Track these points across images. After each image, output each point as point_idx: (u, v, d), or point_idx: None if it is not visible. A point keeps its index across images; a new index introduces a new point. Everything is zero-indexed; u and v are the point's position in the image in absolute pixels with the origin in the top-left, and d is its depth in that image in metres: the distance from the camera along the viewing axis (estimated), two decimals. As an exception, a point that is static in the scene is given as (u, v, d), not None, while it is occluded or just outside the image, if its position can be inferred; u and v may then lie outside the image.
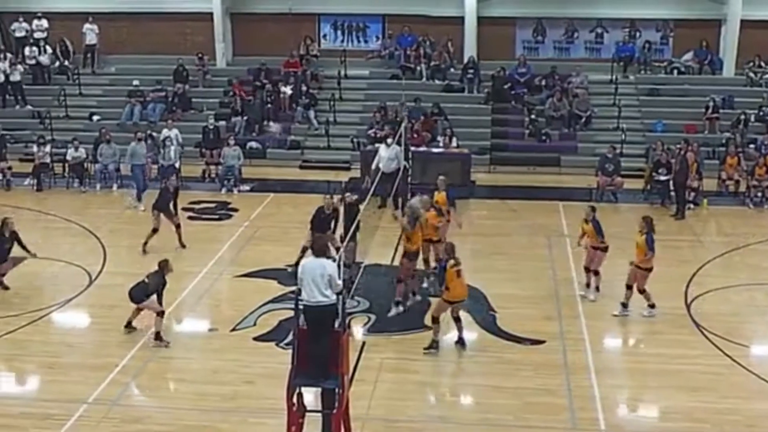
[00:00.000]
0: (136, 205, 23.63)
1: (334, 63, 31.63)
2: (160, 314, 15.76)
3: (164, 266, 16.06)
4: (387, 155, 23.03)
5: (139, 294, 15.73)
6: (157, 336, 15.68)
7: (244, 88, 30.51)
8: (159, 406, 13.89)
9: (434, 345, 15.38)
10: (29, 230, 21.44)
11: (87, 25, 32.06)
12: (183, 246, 20.43)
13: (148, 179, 24.37)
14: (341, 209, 18.42)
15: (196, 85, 31.37)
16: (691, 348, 15.64)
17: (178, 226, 20.55)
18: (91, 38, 32.26)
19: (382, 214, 22.53)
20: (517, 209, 23.76)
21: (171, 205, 20.59)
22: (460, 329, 15.59)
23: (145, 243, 20.10)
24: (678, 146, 24.82)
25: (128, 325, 16.06)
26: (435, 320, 15.49)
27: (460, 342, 15.58)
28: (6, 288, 18.01)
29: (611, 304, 17.30)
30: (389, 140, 23.40)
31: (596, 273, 17.60)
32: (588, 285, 17.73)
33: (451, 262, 15.09)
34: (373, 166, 23.04)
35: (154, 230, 20.26)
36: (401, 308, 16.90)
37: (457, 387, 14.70)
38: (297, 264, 15.31)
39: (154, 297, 15.77)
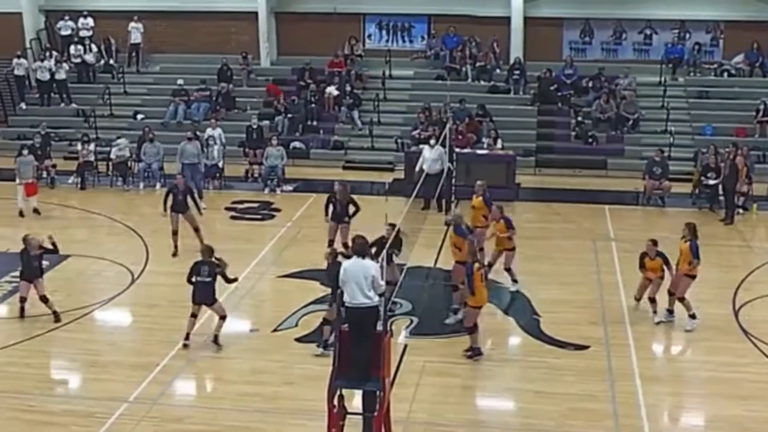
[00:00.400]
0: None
1: (379, 63, 31.53)
2: (224, 318, 15.63)
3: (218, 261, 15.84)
4: (431, 156, 22.93)
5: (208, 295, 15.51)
6: (216, 339, 15.56)
7: (283, 88, 30.47)
8: (199, 405, 13.90)
9: (477, 351, 15.10)
10: (73, 228, 21.75)
11: (132, 24, 32.23)
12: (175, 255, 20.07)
13: (200, 179, 24.33)
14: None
15: (240, 85, 31.41)
16: (739, 356, 15.32)
17: (197, 230, 20.11)
18: (135, 37, 32.44)
19: (426, 216, 22.38)
20: (562, 213, 23.48)
21: (188, 205, 20.26)
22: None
23: (175, 247, 20.05)
24: (727, 150, 24.39)
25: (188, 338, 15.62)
26: (472, 329, 15.13)
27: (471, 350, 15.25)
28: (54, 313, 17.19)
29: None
30: (432, 141, 23.32)
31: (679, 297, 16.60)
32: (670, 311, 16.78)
33: (476, 265, 14.82)
34: (417, 168, 22.94)
35: (174, 233, 20.11)
36: (459, 315, 16.37)
37: (499, 391, 14.51)
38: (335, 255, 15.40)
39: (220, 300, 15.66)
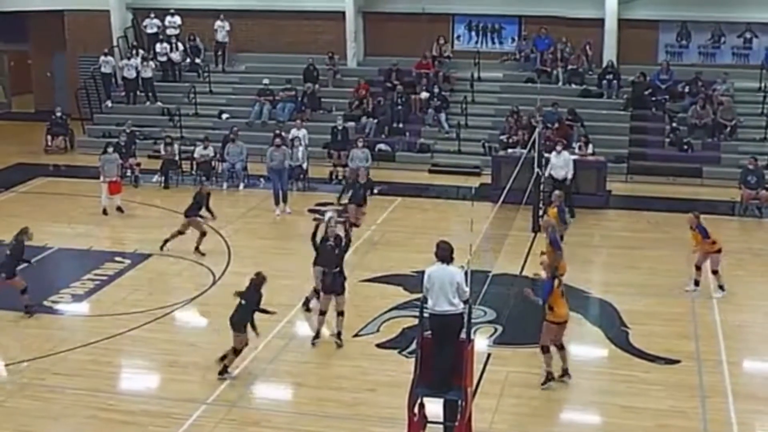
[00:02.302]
0: (281, 211, 23.53)
1: (467, 65, 31.14)
2: (236, 352, 14.63)
3: (256, 280, 15.00)
4: (557, 163, 22.92)
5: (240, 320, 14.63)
6: (224, 370, 14.58)
7: (371, 89, 30.31)
8: (277, 410, 13.78)
9: (550, 377, 14.23)
10: (156, 227, 21.89)
11: (218, 23, 32.37)
12: (201, 254, 19.99)
13: (285, 182, 24.20)
14: None
15: (326, 85, 31.32)
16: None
17: (203, 234, 20.17)
18: (222, 36, 32.56)
19: (513, 222, 21.98)
20: (654, 221, 22.82)
21: (204, 211, 20.29)
22: (563, 359, 14.41)
23: (197, 247, 20.05)
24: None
25: (222, 359, 14.75)
26: (545, 349, 14.25)
27: (566, 373, 14.46)
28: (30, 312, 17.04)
29: (750, 322, 16.72)
30: (559, 147, 23.20)
31: (714, 272, 17.83)
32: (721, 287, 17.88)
33: (556, 281, 14.03)
34: (546, 174, 22.78)
35: (203, 233, 20.15)
36: None
37: (585, 404, 14.09)
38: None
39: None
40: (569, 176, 22.83)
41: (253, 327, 14.57)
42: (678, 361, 15.13)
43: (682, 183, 26.34)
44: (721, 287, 17.77)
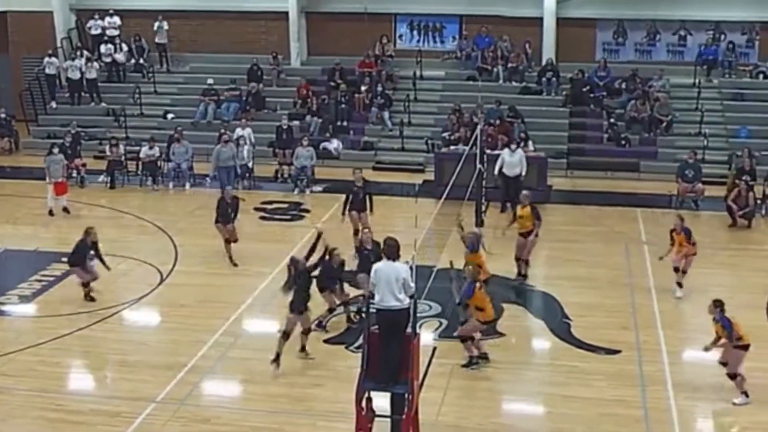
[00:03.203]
0: None
1: (410, 63, 31.41)
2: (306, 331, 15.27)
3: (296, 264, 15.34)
4: (512, 160, 23.33)
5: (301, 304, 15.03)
6: (303, 348, 15.28)
7: (313, 88, 30.41)
8: (227, 406, 13.88)
9: (474, 361, 14.88)
10: (102, 227, 21.58)
11: (157, 24, 32.22)
12: (234, 264, 19.58)
13: (234, 181, 24.30)
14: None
15: (270, 85, 31.39)
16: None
17: (234, 242, 19.82)
18: (161, 36, 32.42)
19: (456, 218, 22.24)
20: (594, 215, 23.28)
21: (232, 216, 19.92)
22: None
23: (230, 257, 19.71)
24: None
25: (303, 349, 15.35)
26: (466, 339, 14.97)
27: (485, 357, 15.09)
28: (91, 298, 17.72)
29: (688, 314, 17.08)
30: (513, 146, 23.66)
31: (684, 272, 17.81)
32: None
33: (477, 284, 14.72)
34: (496, 171, 23.16)
35: (227, 240, 19.75)
36: None
37: (528, 395, 14.40)
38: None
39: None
40: (523, 173, 23.24)
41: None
42: (618, 351, 15.47)
43: (620, 177, 26.78)
44: (679, 284, 17.82)
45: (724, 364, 14.00)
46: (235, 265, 19.51)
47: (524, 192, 19.31)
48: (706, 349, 14.19)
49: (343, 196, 20.56)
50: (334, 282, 16.36)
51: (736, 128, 28.20)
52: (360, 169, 20.79)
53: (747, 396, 13.83)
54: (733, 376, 13.91)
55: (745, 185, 22.61)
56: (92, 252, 17.79)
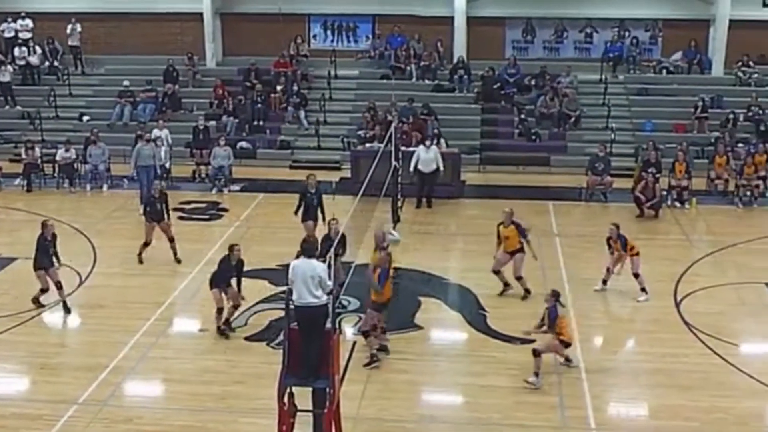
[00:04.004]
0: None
1: (324, 63, 31.62)
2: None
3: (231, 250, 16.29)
4: (427, 156, 23.74)
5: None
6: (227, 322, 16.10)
7: (229, 89, 30.43)
8: (149, 406, 13.93)
9: (375, 358, 14.96)
10: (19, 230, 21.49)
11: (70, 26, 31.83)
12: (179, 261, 19.70)
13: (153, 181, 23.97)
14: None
15: (186, 85, 31.31)
16: (680, 347, 15.71)
17: (171, 240, 19.83)
18: (74, 39, 32.06)
19: (373, 214, 22.46)
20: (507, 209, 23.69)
21: (165, 214, 19.90)
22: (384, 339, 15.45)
23: (140, 254, 19.73)
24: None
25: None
26: (367, 335, 15.17)
27: (384, 349, 15.35)
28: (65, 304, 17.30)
29: (599, 303, 17.63)
30: (427, 142, 24.09)
31: (636, 276, 17.71)
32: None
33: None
34: (411, 168, 23.48)
35: (146, 243, 19.72)
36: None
37: (447, 386, 14.71)
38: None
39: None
40: (441, 168, 23.70)
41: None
42: (533, 341, 15.61)
43: (531, 171, 27.36)
44: (643, 290, 17.65)
45: (537, 353, 14.44)
46: (179, 261, 19.63)
47: (505, 210, 18.05)
48: (527, 333, 15.06)
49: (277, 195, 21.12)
50: (227, 280, 16.12)
51: (641, 122, 29.07)
52: (314, 175, 20.19)
53: (537, 376, 14.35)
54: (537, 354, 14.44)
55: (651, 177, 23.34)
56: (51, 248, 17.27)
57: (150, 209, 19.82)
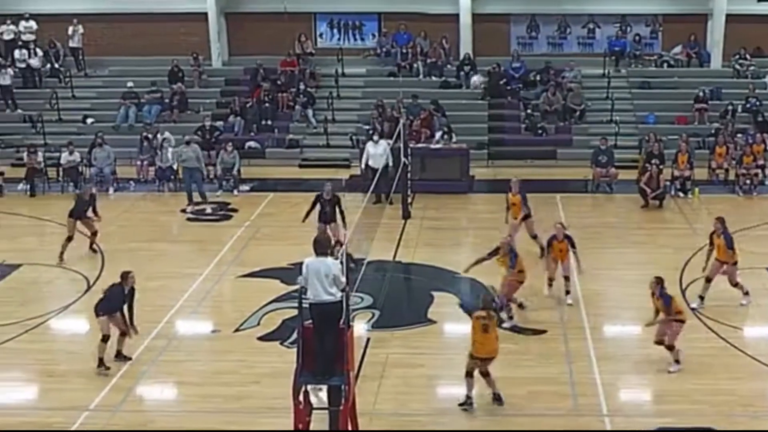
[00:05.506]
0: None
1: (331, 61, 31.61)
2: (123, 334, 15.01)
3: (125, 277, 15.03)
4: (376, 152, 23.55)
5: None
6: (119, 354, 15.03)
7: (235, 88, 30.45)
8: (163, 410, 13.87)
9: (468, 402, 13.91)
10: (24, 236, 21.30)
11: (71, 28, 31.62)
12: (94, 251, 20.05)
13: (202, 181, 24.21)
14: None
15: (192, 86, 31.24)
16: (687, 332, 15.56)
17: (94, 234, 20.11)
18: (76, 40, 31.86)
19: (384, 210, 22.59)
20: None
21: (89, 212, 20.18)
22: (490, 384, 13.84)
23: (62, 252, 19.70)
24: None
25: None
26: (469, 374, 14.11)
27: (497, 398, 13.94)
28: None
29: (608, 293, 17.74)
30: (375, 137, 23.87)
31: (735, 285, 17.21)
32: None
33: (478, 312, 13.68)
34: (362, 164, 23.31)
35: (69, 238, 19.82)
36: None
37: (461, 379, 14.31)
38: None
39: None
40: (390, 164, 23.21)
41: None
42: (545, 331, 15.99)
43: (538, 165, 27.45)
44: (746, 294, 17.25)
45: (659, 343, 14.56)
46: (95, 251, 19.91)
47: (513, 179, 19.69)
48: (648, 324, 14.83)
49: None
50: (116, 308, 14.92)
51: (644, 115, 29.26)
52: (330, 182, 20.14)
53: (679, 363, 14.48)
54: (671, 348, 14.51)
55: (655, 168, 23.45)
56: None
57: (75, 208, 20.04)
